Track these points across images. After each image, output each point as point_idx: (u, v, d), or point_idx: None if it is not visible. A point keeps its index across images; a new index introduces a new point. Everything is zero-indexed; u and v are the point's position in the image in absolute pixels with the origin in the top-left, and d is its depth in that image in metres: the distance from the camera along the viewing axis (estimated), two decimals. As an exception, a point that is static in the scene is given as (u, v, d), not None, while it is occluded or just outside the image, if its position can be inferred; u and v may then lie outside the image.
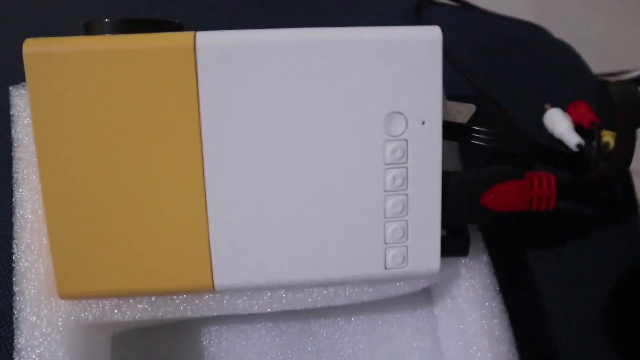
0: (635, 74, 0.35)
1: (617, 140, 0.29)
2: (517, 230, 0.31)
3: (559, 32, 0.41)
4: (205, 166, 0.21)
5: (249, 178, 0.21)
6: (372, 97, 0.21)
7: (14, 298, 0.23)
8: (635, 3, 0.90)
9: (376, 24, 0.30)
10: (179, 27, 0.22)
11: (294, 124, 0.21)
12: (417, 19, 0.35)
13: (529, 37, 0.38)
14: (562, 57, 0.37)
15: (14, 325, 0.22)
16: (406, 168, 0.22)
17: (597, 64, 0.42)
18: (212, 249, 0.22)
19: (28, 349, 0.22)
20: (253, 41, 0.20)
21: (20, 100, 0.25)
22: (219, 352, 0.27)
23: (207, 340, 0.27)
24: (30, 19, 0.34)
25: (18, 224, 0.23)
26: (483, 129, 0.24)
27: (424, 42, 0.21)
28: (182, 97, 0.20)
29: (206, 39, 0.20)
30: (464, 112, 0.32)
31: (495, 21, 0.38)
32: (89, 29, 0.22)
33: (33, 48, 0.20)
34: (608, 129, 0.31)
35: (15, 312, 0.22)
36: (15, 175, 0.24)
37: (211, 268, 0.22)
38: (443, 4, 0.37)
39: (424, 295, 0.29)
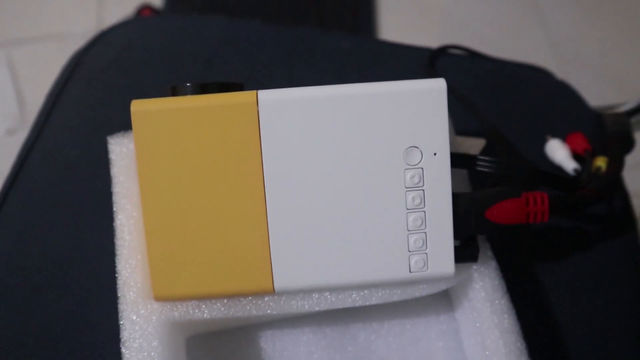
0: (627, 106, 0.42)
1: (608, 164, 0.35)
2: (530, 243, 0.37)
3: (567, 67, 0.47)
4: (266, 194, 0.28)
5: (301, 201, 0.28)
6: (394, 135, 0.28)
7: (118, 302, 0.30)
8: (633, 43, 0.97)
9: (398, 72, 0.38)
10: (240, 87, 0.30)
11: (336, 157, 0.28)
12: (431, 67, 0.42)
13: (532, 78, 0.45)
14: (562, 95, 0.44)
15: (119, 323, 0.29)
16: (423, 190, 0.28)
17: (597, 97, 0.49)
18: (272, 260, 0.28)
19: (130, 340, 0.28)
20: (301, 96, 0.28)
21: (116, 147, 0.33)
22: (274, 353, 0.33)
23: (264, 343, 0.33)
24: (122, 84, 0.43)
25: (119, 243, 0.31)
26: (486, 158, 0.31)
27: (433, 91, 0.28)
28: (248, 140, 0.28)
29: (265, 95, 0.28)
30: (475, 145, 0.38)
31: (501, 66, 0.45)
32: (175, 91, 0.29)
33: (137, 107, 0.28)
34: (602, 154, 0.37)
35: (119, 312, 0.29)
36: (115, 205, 0.32)
37: (272, 275, 0.28)
38: (453, 54, 0.45)
39: (446, 301, 0.35)
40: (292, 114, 0.27)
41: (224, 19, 0.45)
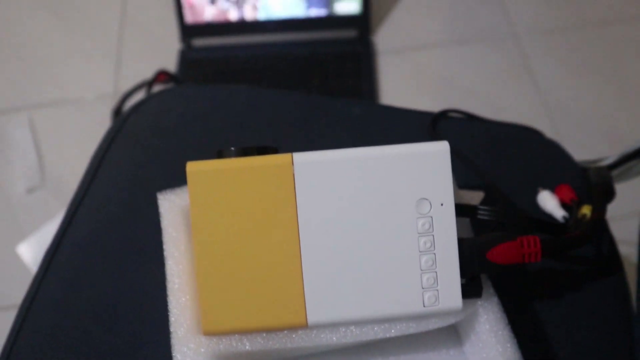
0: (608, 161, 0.47)
1: (592, 211, 0.40)
2: (529, 282, 0.41)
3: (557, 123, 0.52)
4: (300, 240, 0.33)
5: (331, 246, 0.33)
6: (407, 189, 0.33)
7: (170, 337, 0.34)
8: (615, 102, 1.04)
9: (404, 134, 0.43)
10: (275, 150, 0.36)
11: (359, 208, 0.33)
12: (433, 129, 0.48)
13: (525, 137, 0.51)
14: (552, 151, 0.49)
15: (172, 355, 0.33)
16: (433, 235, 0.33)
17: (583, 153, 0.54)
18: (306, 299, 0.33)
19: (182, 371, 0.33)
20: (328, 158, 0.33)
21: (165, 202, 0.38)
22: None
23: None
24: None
25: (169, 286, 0.36)
26: (486, 207, 0.36)
27: (438, 152, 0.34)
28: (285, 194, 0.33)
29: (299, 157, 0.33)
30: (475, 197, 0.44)
31: (496, 127, 0.51)
32: (221, 154, 0.35)
33: (192, 167, 0.33)
34: (587, 203, 0.42)
35: (172, 347, 0.34)
36: (165, 252, 0.37)
37: (305, 311, 0.33)
38: (453, 117, 0.51)
39: (455, 337, 0.39)
40: (321, 173, 0.33)
41: (249, 89, 0.51)
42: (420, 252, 0.33)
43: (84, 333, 0.41)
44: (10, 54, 1.23)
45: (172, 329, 0.34)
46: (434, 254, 0.33)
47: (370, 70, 1.08)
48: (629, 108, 1.02)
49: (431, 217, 0.33)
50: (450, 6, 1.18)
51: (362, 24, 1.11)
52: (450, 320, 0.35)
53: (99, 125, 1.10)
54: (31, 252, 1.01)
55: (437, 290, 0.33)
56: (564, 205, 0.43)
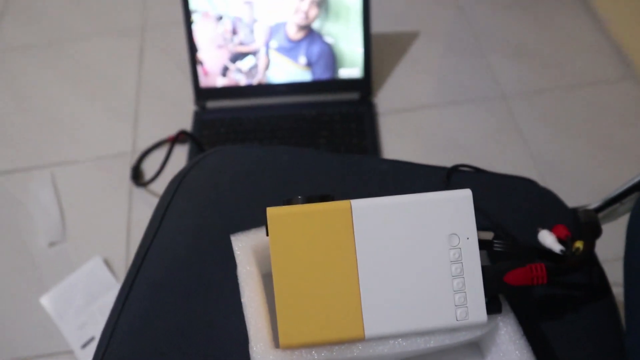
0: (594, 205, 0.57)
1: (584, 245, 0.50)
2: (537, 303, 0.50)
3: (549, 177, 0.62)
4: (358, 268, 0.42)
5: (383, 272, 0.42)
6: (440, 226, 0.43)
7: (250, 353, 0.42)
8: (592, 157, 1.16)
9: (424, 184, 0.53)
10: (332, 198, 0.45)
11: (405, 241, 0.42)
12: (448, 181, 0.58)
13: (523, 186, 0.61)
14: (547, 198, 0.59)
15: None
16: (462, 263, 0.43)
17: (573, 200, 0.65)
18: (363, 316, 0.42)
19: (263, 380, 0.41)
20: (379, 203, 0.43)
21: (238, 243, 0.47)
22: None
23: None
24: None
25: (248, 311, 0.44)
26: (500, 241, 0.46)
27: (464, 197, 0.43)
28: (346, 231, 0.42)
29: (356, 203, 0.42)
30: (487, 236, 0.53)
31: (499, 178, 0.61)
32: (289, 202, 0.44)
33: (272, 212, 0.42)
34: (579, 239, 0.52)
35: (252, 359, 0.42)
36: (241, 283, 0.45)
37: (363, 326, 0.42)
38: (464, 171, 0.61)
39: (478, 353, 0.48)
40: (373, 214, 0.42)
41: (290, 149, 0.61)
42: (452, 276, 0.42)
43: (160, 355, 0.48)
44: (34, 116, 1.32)
45: (251, 344, 0.42)
46: (463, 277, 0.42)
47: (373, 129, 1.19)
48: (605, 161, 1.14)
49: (460, 249, 0.43)
50: (443, 70, 1.31)
51: (364, 87, 1.23)
52: (477, 333, 0.44)
53: (118, 181, 1.19)
54: (54, 303, 1.07)
55: (467, 307, 0.42)
56: (560, 241, 0.52)
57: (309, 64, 1.21)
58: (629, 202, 0.56)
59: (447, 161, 0.86)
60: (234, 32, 1.18)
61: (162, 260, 0.54)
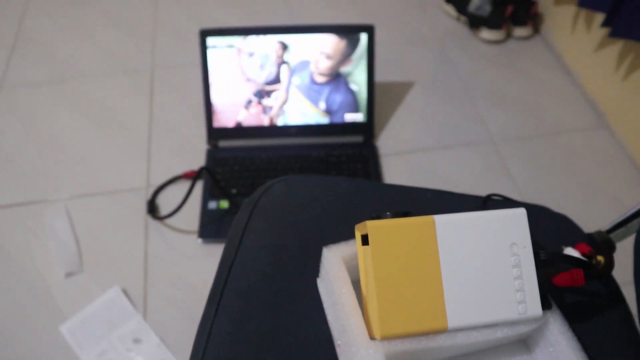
0: (607, 228, 0.70)
1: (604, 259, 0.62)
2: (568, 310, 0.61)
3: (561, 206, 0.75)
4: (441, 269, 0.52)
5: (460, 274, 0.52)
6: (503, 237, 0.53)
7: (337, 347, 0.51)
8: (574, 196, 1.31)
9: (464, 210, 0.63)
10: (412, 214, 0.55)
11: (477, 248, 0.53)
12: (483, 206, 0.69)
13: (539, 212, 0.73)
14: (563, 221, 0.71)
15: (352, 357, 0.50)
16: (520, 267, 0.53)
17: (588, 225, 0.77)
18: (446, 309, 0.51)
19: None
20: (456, 218, 0.53)
21: (328, 254, 0.56)
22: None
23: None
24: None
25: (343, 310, 0.53)
26: (544, 252, 0.57)
27: (520, 214, 0.54)
28: (430, 239, 0.52)
29: (438, 218, 0.53)
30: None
31: (522, 205, 0.73)
32: (378, 216, 0.54)
33: (372, 224, 0.52)
34: (599, 254, 0.63)
35: (355, 351, 0.50)
36: (334, 288, 0.54)
37: (446, 319, 0.51)
38: (495, 199, 0.72)
39: (524, 348, 0.58)
40: (452, 227, 0.53)
41: (346, 178, 0.71)
42: (514, 277, 0.53)
43: (255, 355, 0.56)
44: (49, 150, 1.37)
45: (350, 338, 0.51)
46: (522, 279, 0.53)
47: (377, 169, 1.30)
48: (583, 197, 1.29)
49: (519, 255, 0.53)
50: (437, 118, 1.45)
51: (367, 131, 1.35)
52: (533, 326, 0.54)
53: (134, 215, 1.25)
54: (74, 332, 1.11)
55: (526, 303, 0.53)
56: (583, 255, 0.64)
57: (328, 111, 1.32)
58: (636, 224, 0.68)
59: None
60: (262, 68, 1.28)
61: (247, 273, 0.62)
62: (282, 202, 0.68)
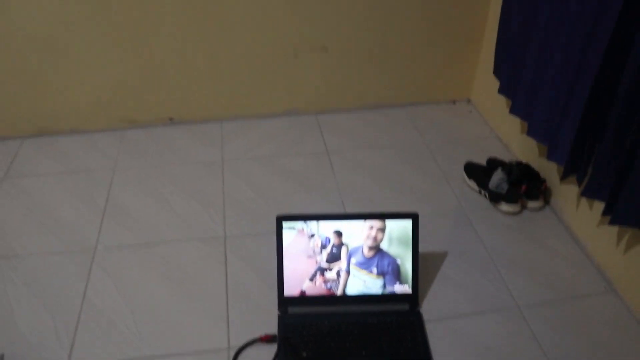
0: None
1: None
2: None
3: None
4: None
5: None
6: None
7: None
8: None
9: None
10: None
11: None
12: None
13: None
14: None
15: None
16: None
17: None
18: None
19: None
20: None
21: None
22: None
23: None
24: None
25: None
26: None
27: None
28: None
29: None
30: None
31: None
32: None
33: None
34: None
35: None
36: None
37: None
38: None
39: None
40: None
41: None
42: None
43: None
44: (137, 311, 1.60)
45: None
46: None
47: (423, 335, 1.55)
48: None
49: None
50: (468, 286, 1.71)
51: (413, 300, 1.61)
52: None
53: (218, 374, 1.48)
54: None
55: None
56: None
57: (381, 273, 1.60)
58: None
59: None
60: (323, 247, 1.58)
61: None
62: None
